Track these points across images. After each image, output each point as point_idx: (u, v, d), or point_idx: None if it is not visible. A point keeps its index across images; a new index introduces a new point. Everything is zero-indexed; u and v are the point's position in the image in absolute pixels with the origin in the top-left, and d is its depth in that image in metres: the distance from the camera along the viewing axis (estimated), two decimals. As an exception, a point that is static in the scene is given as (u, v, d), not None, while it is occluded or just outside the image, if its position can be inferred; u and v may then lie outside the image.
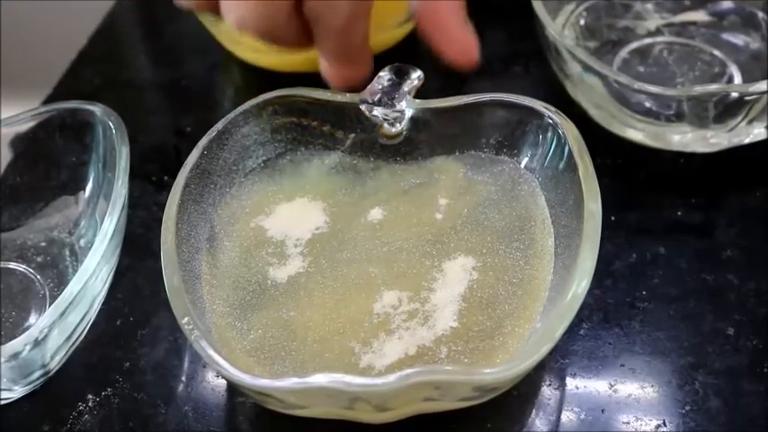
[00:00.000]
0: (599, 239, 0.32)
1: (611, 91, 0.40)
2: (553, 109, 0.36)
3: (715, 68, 0.46)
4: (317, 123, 0.39)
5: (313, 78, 0.42)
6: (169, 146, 0.46)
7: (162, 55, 0.54)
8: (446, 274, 0.35)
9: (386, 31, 0.47)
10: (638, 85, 0.38)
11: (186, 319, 0.30)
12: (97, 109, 0.39)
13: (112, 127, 0.38)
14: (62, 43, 0.54)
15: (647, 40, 0.48)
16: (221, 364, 0.29)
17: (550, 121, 0.36)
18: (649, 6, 0.49)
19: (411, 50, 0.50)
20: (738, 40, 0.47)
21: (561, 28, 0.47)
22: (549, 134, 0.36)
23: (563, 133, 0.35)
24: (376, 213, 0.38)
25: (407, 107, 0.37)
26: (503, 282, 0.35)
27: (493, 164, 0.38)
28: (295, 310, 0.35)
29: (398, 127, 0.38)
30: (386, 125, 0.38)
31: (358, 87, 0.37)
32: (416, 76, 0.38)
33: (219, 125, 0.37)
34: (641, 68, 0.46)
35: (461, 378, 0.29)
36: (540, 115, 0.36)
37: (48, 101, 0.49)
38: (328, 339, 0.33)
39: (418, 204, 0.38)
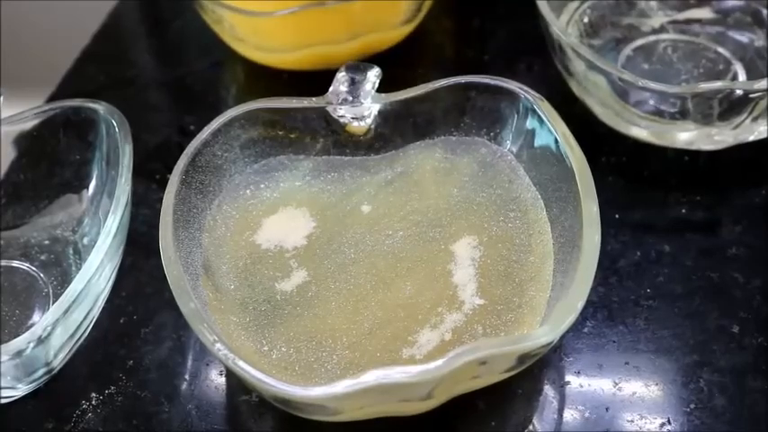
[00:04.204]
0: (594, 190, 0.33)
1: (616, 88, 0.40)
2: (525, 87, 0.37)
3: (719, 66, 0.46)
4: (285, 132, 0.39)
5: (315, 75, 0.42)
6: (173, 144, 0.46)
7: (165, 53, 0.54)
8: (455, 254, 0.36)
9: (386, 31, 0.47)
10: (642, 82, 0.38)
11: (219, 344, 0.30)
12: (100, 107, 0.39)
13: (115, 125, 0.38)
14: (66, 41, 0.54)
15: (652, 38, 0.48)
16: (268, 381, 0.29)
17: (522, 98, 0.37)
18: (653, 4, 0.49)
19: (411, 50, 0.50)
20: (743, 37, 0.47)
21: (565, 26, 0.46)
22: (521, 110, 0.37)
23: (535, 108, 0.36)
24: (366, 209, 0.38)
25: (373, 102, 0.38)
26: (513, 251, 0.35)
27: (466, 144, 0.39)
28: (315, 321, 0.34)
29: (365, 123, 0.38)
30: (353, 123, 0.38)
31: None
32: (374, 72, 0.38)
33: (192, 147, 0.36)
34: (646, 66, 0.46)
35: (508, 349, 0.29)
36: (509, 93, 0.37)
37: (51, 99, 0.49)
38: (359, 343, 0.33)
39: (406, 192, 0.38)
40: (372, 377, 0.28)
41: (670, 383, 0.35)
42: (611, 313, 0.37)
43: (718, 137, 0.40)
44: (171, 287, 0.32)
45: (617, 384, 0.35)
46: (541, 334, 0.29)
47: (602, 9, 0.49)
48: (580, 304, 0.30)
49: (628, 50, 0.47)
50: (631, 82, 0.39)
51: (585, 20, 0.48)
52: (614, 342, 0.36)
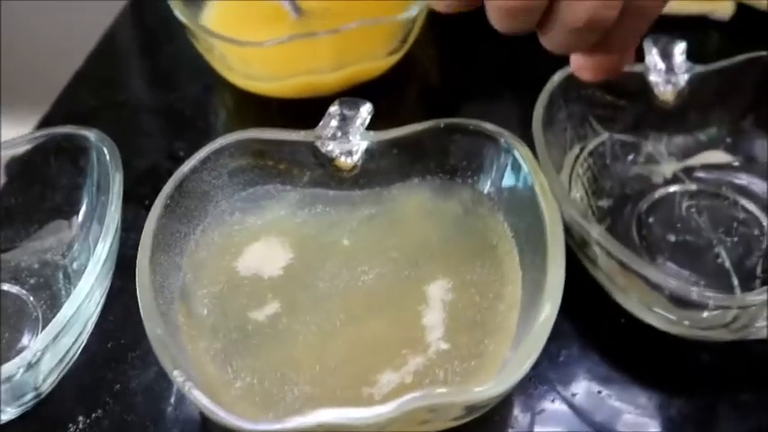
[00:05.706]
0: (564, 256, 0.33)
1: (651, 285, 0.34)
2: (506, 132, 0.38)
3: (754, 230, 0.40)
4: (273, 163, 0.39)
5: (303, 103, 0.43)
6: (162, 169, 0.47)
7: (157, 77, 0.54)
8: (428, 296, 0.36)
9: (373, 62, 0.48)
10: (700, 295, 0.32)
11: (177, 371, 0.30)
12: (91, 134, 0.40)
13: (106, 153, 0.39)
14: (59, 64, 0.54)
15: (666, 191, 0.42)
16: (220, 414, 0.29)
17: (502, 143, 0.37)
18: (661, 148, 0.43)
19: (398, 79, 0.50)
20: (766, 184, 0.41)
21: (567, 182, 0.40)
22: (502, 156, 0.38)
23: (516, 154, 0.37)
24: (346, 243, 0.38)
25: (361, 140, 0.38)
26: (484, 298, 0.36)
27: (451, 188, 0.40)
28: (282, 353, 0.35)
29: (353, 159, 0.39)
30: (341, 159, 0.39)
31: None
32: (366, 109, 0.39)
33: (179, 174, 0.37)
34: (671, 237, 0.40)
35: (454, 400, 0.30)
36: (491, 138, 0.38)
37: (44, 121, 0.49)
38: (322, 378, 0.34)
39: (386, 231, 0.39)
40: (321, 417, 0.28)
41: (642, 412, 0.35)
42: (585, 343, 0.38)
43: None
44: (141, 312, 0.32)
45: (590, 413, 0.35)
46: (487, 388, 0.30)
47: (604, 157, 0.43)
48: (528, 364, 0.30)
49: (643, 207, 0.41)
50: (685, 297, 0.32)
51: (589, 173, 0.42)
52: (588, 372, 0.37)
